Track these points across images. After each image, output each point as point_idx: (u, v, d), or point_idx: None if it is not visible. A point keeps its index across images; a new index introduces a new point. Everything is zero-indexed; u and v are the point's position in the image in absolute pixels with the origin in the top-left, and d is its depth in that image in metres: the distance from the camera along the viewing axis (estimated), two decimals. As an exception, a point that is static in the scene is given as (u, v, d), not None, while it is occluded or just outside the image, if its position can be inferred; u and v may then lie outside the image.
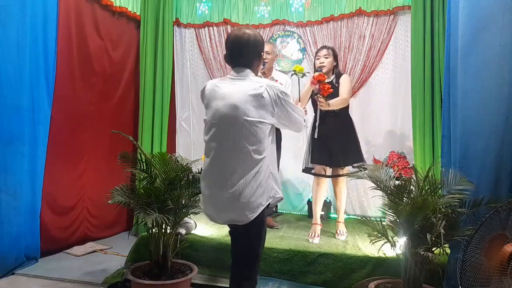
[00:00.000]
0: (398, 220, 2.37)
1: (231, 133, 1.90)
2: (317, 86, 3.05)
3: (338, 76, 3.37)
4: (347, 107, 3.44)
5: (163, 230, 2.65)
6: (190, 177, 2.73)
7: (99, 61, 4.10)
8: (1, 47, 3.01)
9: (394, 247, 2.41)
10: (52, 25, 3.42)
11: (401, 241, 2.42)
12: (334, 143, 3.30)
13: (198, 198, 2.77)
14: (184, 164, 2.79)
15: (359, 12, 4.27)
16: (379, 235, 2.40)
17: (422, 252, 2.17)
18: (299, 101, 3.09)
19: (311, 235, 3.29)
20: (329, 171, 3.48)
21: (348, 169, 3.43)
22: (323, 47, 3.46)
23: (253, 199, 1.89)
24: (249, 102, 1.89)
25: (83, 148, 3.92)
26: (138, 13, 4.47)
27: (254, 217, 1.90)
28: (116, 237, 4.23)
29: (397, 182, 2.48)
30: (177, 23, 4.73)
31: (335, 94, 3.24)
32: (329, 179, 3.55)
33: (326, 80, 3.19)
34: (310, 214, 4.06)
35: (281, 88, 1.97)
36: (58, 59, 3.51)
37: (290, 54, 4.59)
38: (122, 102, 4.47)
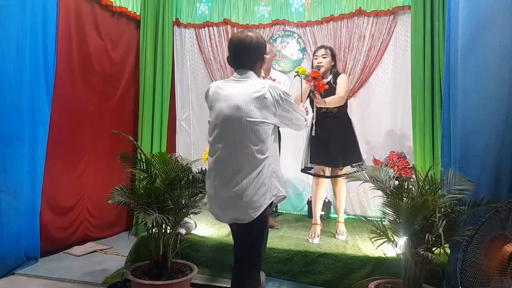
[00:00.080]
0: (398, 220, 2.37)
1: (234, 133, 1.95)
2: (312, 83, 3.05)
3: (336, 76, 3.36)
4: (345, 107, 3.44)
5: (163, 230, 2.65)
6: (190, 177, 2.73)
7: (99, 61, 4.10)
8: (1, 47, 3.01)
9: (395, 247, 2.41)
10: (52, 25, 3.41)
11: (401, 241, 2.42)
12: (333, 143, 3.30)
13: (198, 198, 2.77)
14: (184, 164, 2.79)
15: (359, 12, 4.27)
16: (381, 233, 2.39)
17: (422, 252, 2.17)
18: (302, 102, 3.08)
19: (311, 235, 3.29)
20: (328, 171, 3.48)
21: (347, 169, 3.43)
22: (321, 46, 3.46)
23: (255, 198, 1.93)
24: (252, 103, 1.93)
25: (83, 148, 3.92)
26: (138, 13, 4.47)
27: (257, 215, 1.95)
28: (116, 237, 4.23)
29: (397, 182, 2.48)
30: (177, 23, 4.73)
31: (332, 93, 3.24)
32: (329, 179, 3.54)
33: (325, 80, 3.20)
34: (310, 214, 4.06)
35: (282, 89, 2.01)
36: (58, 59, 3.50)
37: (290, 54, 4.59)
38: (122, 102, 4.47)
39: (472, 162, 2.45)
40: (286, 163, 4.27)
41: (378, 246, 2.43)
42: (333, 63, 3.39)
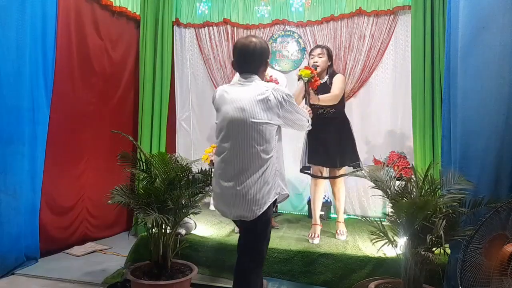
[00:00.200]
0: (398, 220, 2.37)
1: (240, 134, 2.04)
2: (306, 80, 3.04)
3: (332, 76, 3.35)
4: (343, 108, 3.43)
5: (163, 230, 2.65)
6: (190, 177, 2.72)
7: (99, 61, 4.10)
8: (1, 47, 3.01)
9: (395, 247, 2.41)
10: (51, 25, 3.41)
11: (401, 241, 2.42)
12: (331, 144, 3.30)
13: (198, 198, 2.77)
14: (184, 164, 2.79)
15: (359, 12, 4.27)
16: (381, 234, 2.39)
17: (423, 252, 2.17)
18: (307, 105, 3.05)
19: (311, 235, 3.29)
20: (326, 171, 3.48)
21: (346, 169, 3.43)
22: (317, 46, 3.46)
23: (259, 196, 2.03)
24: (256, 105, 2.02)
25: (83, 148, 3.92)
26: (138, 13, 4.47)
27: (261, 212, 2.04)
28: (116, 237, 4.23)
29: (397, 182, 2.48)
30: (177, 23, 4.73)
31: (328, 93, 3.23)
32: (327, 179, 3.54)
33: (321, 80, 3.19)
34: (310, 214, 4.05)
35: (285, 91, 2.11)
36: (57, 58, 3.50)
37: (290, 54, 4.59)
38: (122, 102, 4.47)
39: (472, 162, 2.45)
40: (286, 163, 4.26)
41: (379, 249, 2.43)
42: (329, 63, 3.37)
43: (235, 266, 2.18)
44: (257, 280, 2.14)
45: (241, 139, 2.04)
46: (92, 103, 4.02)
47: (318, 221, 3.42)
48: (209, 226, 3.57)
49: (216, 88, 4.52)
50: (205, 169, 2.85)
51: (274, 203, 2.15)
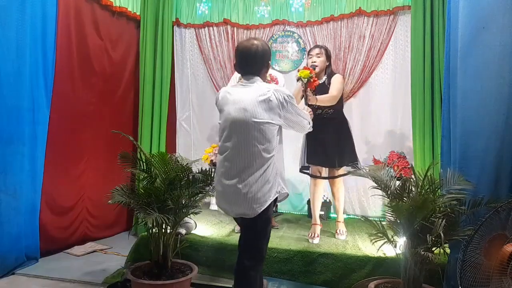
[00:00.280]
0: (398, 220, 2.37)
1: (241, 133, 2.09)
2: (305, 81, 3.04)
3: (330, 76, 3.34)
4: (341, 108, 3.43)
5: (163, 230, 2.65)
6: (190, 177, 2.73)
7: (99, 61, 4.10)
8: (1, 47, 3.01)
9: (394, 247, 2.41)
10: (51, 25, 3.41)
11: (401, 241, 2.42)
12: (329, 144, 3.30)
13: (198, 198, 2.77)
14: (184, 164, 2.79)
15: (359, 12, 4.28)
16: (379, 234, 2.40)
17: (422, 252, 2.17)
18: (306, 106, 3.06)
19: (311, 235, 3.29)
20: (324, 171, 3.48)
21: (344, 169, 3.43)
22: (316, 46, 3.46)
23: (260, 194, 2.08)
24: (257, 106, 2.08)
25: (83, 148, 3.92)
26: (138, 13, 4.48)
27: (261, 210, 2.08)
28: (116, 237, 4.23)
29: (397, 182, 2.48)
30: (177, 23, 4.73)
31: (326, 93, 3.23)
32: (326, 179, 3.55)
33: (319, 81, 3.19)
34: (310, 214, 4.05)
35: (287, 92, 2.16)
36: (57, 58, 3.50)
37: (290, 54, 4.60)
38: (122, 102, 4.47)
39: (472, 162, 2.46)
40: (285, 163, 4.27)
41: (379, 248, 2.44)
42: (327, 63, 3.37)
43: (236, 264, 2.21)
44: (256, 278, 2.17)
45: (243, 138, 2.08)
46: (92, 103, 4.02)
47: (318, 221, 3.42)
48: (209, 226, 3.57)
49: (216, 88, 4.58)
50: (205, 169, 2.85)
51: (275, 201, 2.19)
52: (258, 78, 2.20)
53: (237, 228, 3.45)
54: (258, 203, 2.07)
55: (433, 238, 2.19)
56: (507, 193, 2.32)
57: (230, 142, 2.13)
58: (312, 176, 3.46)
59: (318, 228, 3.37)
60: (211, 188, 2.77)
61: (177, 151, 4.66)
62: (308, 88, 3.03)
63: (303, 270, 2.95)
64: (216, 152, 4.15)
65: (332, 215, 4.19)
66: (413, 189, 2.41)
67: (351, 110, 4.37)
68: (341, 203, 3.52)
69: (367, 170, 2.58)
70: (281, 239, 3.29)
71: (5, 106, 3.06)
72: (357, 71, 4.33)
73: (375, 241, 2.42)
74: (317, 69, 3.22)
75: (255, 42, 2.18)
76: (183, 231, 3.16)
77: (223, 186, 2.17)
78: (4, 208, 3.06)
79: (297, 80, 3.12)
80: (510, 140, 2.33)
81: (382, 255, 2.87)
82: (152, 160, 2.72)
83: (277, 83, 3.49)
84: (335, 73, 3.39)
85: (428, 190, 2.34)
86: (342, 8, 4.35)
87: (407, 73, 4.07)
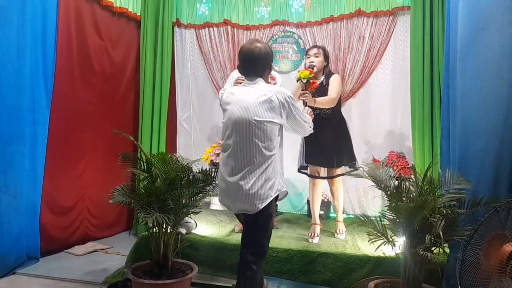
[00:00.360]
0: (397, 220, 2.38)
1: (243, 132, 2.16)
2: (304, 81, 3.05)
3: (328, 76, 3.34)
4: (339, 108, 3.44)
5: (163, 230, 2.66)
6: (191, 177, 2.73)
7: (99, 61, 4.10)
8: (1, 47, 3.02)
9: (394, 247, 2.42)
10: (51, 25, 3.41)
11: (401, 241, 2.43)
12: (328, 144, 3.30)
13: (198, 198, 2.78)
14: (185, 164, 2.79)
15: (359, 13, 4.28)
16: (378, 234, 2.40)
17: (422, 252, 2.18)
18: (306, 107, 3.06)
19: (311, 235, 3.30)
20: (323, 171, 3.49)
21: (343, 169, 3.44)
22: (314, 46, 3.47)
23: (262, 191, 2.15)
24: (259, 105, 2.15)
25: (83, 148, 3.92)
26: (138, 14, 4.48)
27: (262, 206, 2.15)
28: (117, 237, 4.24)
29: (396, 182, 2.49)
30: (178, 23, 4.73)
31: (324, 94, 3.24)
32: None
33: (317, 81, 3.20)
34: (309, 214, 4.06)
35: (288, 93, 2.23)
36: (58, 59, 3.51)
37: (290, 54, 4.60)
38: (122, 102, 4.47)
39: (471, 162, 2.46)
40: (285, 163, 4.27)
41: (377, 248, 2.44)
42: (325, 63, 3.37)
43: (239, 259, 2.27)
44: (258, 272, 2.23)
45: (244, 136, 2.16)
46: (92, 103, 4.02)
47: (318, 221, 3.43)
48: (209, 226, 3.58)
49: (216, 88, 4.59)
50: (206, 169, 2.86)
51: (276, 199, 2.27)
52: (260, 79, 2.28)
53: (237, 228, 3.46)
54: (260, 199, 2.14)
55: (433, 238, 2.20)
56: (506, 193, 2.32)
57: (233, 140, 2.20)
58: (310, 176, 3.46)
59: (317, 228, 3.38)
60: (211, 188, 2.79)
61: (177, 151, 4.67)
62: (308, 89, 3.04)
63: (303, 270, 2.96)
64: (216, 152, 4.19)
65: (331, 215, 4.20)
66: (413, 189, 2.42)
67: (350, 110, 4.38)
68: (340, 203, 3.52)
69: (366, 169, 2.59)
70: (281, 238, 3.29)
71: (5, 106, 3.07)
72: (356, 71, 4.34)
73: (373, 241, 2.42)
74: (315, 69, 3.22)
75: (258, 45, 2.25)
76: (183, 230, 3.17)
77: (226, 183, 2.23)
78: (5, 208, 3.06)
79: (297, 81, 3.13)
80: (509, 140, 2.34)
81: (382, 255, 2.87)
82: (153, 160, 2.73)
83: (275, 82, 3.50)
84: (333, 73, 3.39)
85: (428, 190, 2.35)
86: (341, 8, 4.35)
87: (406, 73, 4.07)
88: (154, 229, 2.67)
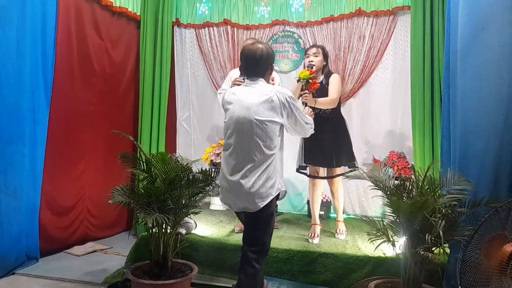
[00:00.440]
0: (397, 220, 2.37)
1: (244, 131, 2.20)
2: (304, 82, 3.04)
3: (328, 76, 3.33)
4: (339, 107, 3.43)
5: (163, 230, 2.66)
6: (190, 177, 2.73)
7: (99, 61, 4.10)
8: (1, 47, 3.02)
9: (394, 247, 2.41)
10: (51, 25, 3.41)
11: (401, 241, 2.43)
12: (327, 144, 3.30)
13: (198, 198, 2.78)
14: (184, 164, 2.79)
15: (359, 13, 4.28)
16: (378, 234, 2.40)
17: (422, 252, 2.18)
18: (307, 107, 3.05)
19: (311, 235, 3.29)
20: (322, 171, 3.48)
21: (343, 168, 3.44)
22: (313, 45, 3.46)
23: (263, 190, 2.18)
24: (260, 105, 2.19)
25: (83, 148, 3.92)
26: (138, 14, 4.48)
27: (263, 205, 2.19)
28: (116, 237, 4.23)
29: (396, 182, 2.49)
30: (177, 23, 4.73)
31: (324, 94, 3.23)
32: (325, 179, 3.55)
33: (317, 81, 3.20)
34: (309, 214, 4.05)
35: (289, 94, 2.27)
36: (58, 59, 3.50)
37: (290, 54, 4.60)
38: (122, 102, 4.47)
39: (471, 162, 2.46)
40: (285, 163, 4.27)
41: (377, 247, 2.44)
42: (325, 63, 3.36)
43: (241, 256, 2.30)
44: (260, 270, 2.25)
45: (245, 135, 2.19)
46: (92, 103, 4.02)
47: (318, 221, 3.43)
48: (209, 226, 3.57)
49: (216, 88, 4.59)
50: (205, 169, 2.86)
51: (277, 198, 2.30)
52: (262, 79, 2.32)
53: (237, 228, 3.46)
54: (261, 198, 2.18)
55: (433, 238, 2.20)
56: (506, 193, 2.32)
57: (234, 139, 2.24)
58: (310, 176, 3.46)
59: (318, 228, 3.38)
60: (211, 188, 2.79)
61: (177, 151, 4.67)
62: (308, 89, 3.03)
63: (303, 270, 2.96)
64: (216, 152, 4.18)
65: (332, 215, 4.20)
66: (413, 189, 2.41)
67: (351, 110, 4.37)
68: (341, 203, 3.52)
69: (365, 171, 2.58)
70: (281, 239, 3.29)
71: (5, 106, 3.07)
72: (357, 71, 4.33)
73: (373, 240, 2.42)
74: (314, 68, 3.21)
75: (260, 46, 2.30)
76: (183, 231, 3.17)
77: (228, 182, 2.27)
78: (4, 208, 3.06)
79: (297, 81, 3.12)
80: (509, 140, 2.34)
81: (382, 255, 2.87)
82: (152, 160, 2.73)
83: (273, 83, 3.50)
84: (332, 73, 3.39)
85: (428, 190, 2.35)
86: (342, 8, 4.35)
87: (407, 73, 4.07)
88: (154, 229, 2.66)
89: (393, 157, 3.94)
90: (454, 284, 2.40)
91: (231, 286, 2.87)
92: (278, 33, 4.62)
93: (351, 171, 3.19)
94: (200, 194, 2.77)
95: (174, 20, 4.69)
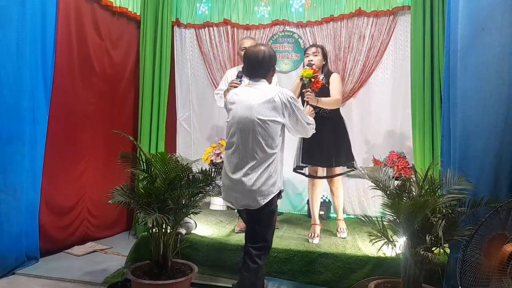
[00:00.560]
0: (397, 220, 2.37)
1: (246, 130, 2.25)
2: (306, 81, 3.04)
3: (328, 75, 3.33)
4: (338, 107, 3.43)
5: (163, 230, 2.66)
6: (190, 177, 2.73)
7: (99, 61, 4.10)
8: (1, 47, 3.01)
9: (394, 247, 2.41)
10: (51, 25, 3.41)
11: (401, 241, 2.42)
12: (326, 143, 3.30)
13: (198, 198, 2.78)
14: (184, 164, 2.79)
15: (359, 13, 4.28)
16: (379, 234, 2.40)
17: (422, 252, 2.18)
18: (308, 106, 3.05)
19: (311, 235, 3.29)
20: (321, 171, 3.48)
21: (342, 168, 3.43)
22: (312, 45, 3.47)
23: (264, 188, 2.23)
24: (262, 105, 2.24)
25: (83, 148, 3.92)
26: (138, 13, 4.47)
27: (264, 202, 2.24)
28: (116, 237, 4.23)
29: (396, 182, 2.49)
30: (177, 23, 4.73)
31: (324, 93, 3.23)
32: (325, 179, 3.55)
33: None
34: (309, 214, 4.05)
35: (290, 94, 2.32)
36: (58, 58, 3.50)
37: (290, 54, 4.60)
38: (122, 102, 4.47)
39: (471, 162, 2.46)
40: (285, 163, 4.27)
41: (379, 249, 2.44)
42: (324, 62, 3.36)
43: (243, 253, 2.33)
44: (261, 268, 2.28)
45: (248, 134, 2.24)
46: (92, 103, 4.02)
47: (318, 221, 3.42)
48: (209, 226, 3.57)
49: (216, 88, 4.57)
50: (205, 169, 2.86)
51: (278, 196, 2.35)
52: (264, 80, 2.36)
53: (237, 228, 3.45)
54: (262, 195, 2.23)
55: (433, 238, 2.20)
56: (506, 193, 2.32)
57: (237, 138, 2.29)
58: (309, 176, 3.46)
59: (318, 228, 3.38)
60: (211, 188, 2.79)
61: (177, 151, 4.67)
62: (310, 88, 3.03)
63: (303, 270, 2.96)
64: (216, 152, 4.18)
65: (332, 215, 4.20)
66: (413, 189, 2.41)
67: (351, 110, 4.37)
68: (341, 202, 3.52)
69: (365, 171, 2.58)
70: (281, 239, 3.29)
71: (5, 106, 3.06)
72: (357, 71, 4.33)
73: (375, 241, 2.42)
74: (314, 67, 3.21)
75: (262, 48, 2.35)
76: (183, 231, 3.17)
77: (230, 180, 2.31)
78: (4, 208, 3.06)
79: (300, 80, 3.11)
80: (509, 140, 2.34)
81: (382, 255, 2.86)
82: (152, 160, 2.73)
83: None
84: (332, 72, 3.39)
85: (428, 190, 2.35)
86: (342, 8, 4.35)
87: (407, 73, 4.07)
88: (154, 230, 2.67)
89: (393, 157, 3.94)
90: (454, 284, 2.40)
91: (231, 286, 2.87)
92: (278, 33, 4.62)
93: (350, 171, 3.19)
94: (200, 194, 2.77)
95: (174, 20, 4.69)
